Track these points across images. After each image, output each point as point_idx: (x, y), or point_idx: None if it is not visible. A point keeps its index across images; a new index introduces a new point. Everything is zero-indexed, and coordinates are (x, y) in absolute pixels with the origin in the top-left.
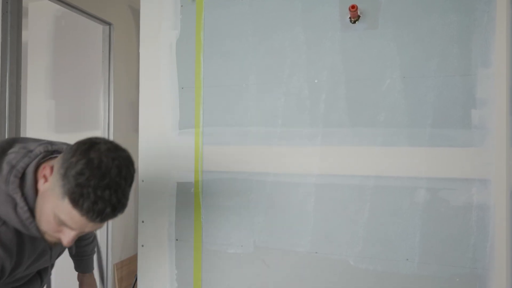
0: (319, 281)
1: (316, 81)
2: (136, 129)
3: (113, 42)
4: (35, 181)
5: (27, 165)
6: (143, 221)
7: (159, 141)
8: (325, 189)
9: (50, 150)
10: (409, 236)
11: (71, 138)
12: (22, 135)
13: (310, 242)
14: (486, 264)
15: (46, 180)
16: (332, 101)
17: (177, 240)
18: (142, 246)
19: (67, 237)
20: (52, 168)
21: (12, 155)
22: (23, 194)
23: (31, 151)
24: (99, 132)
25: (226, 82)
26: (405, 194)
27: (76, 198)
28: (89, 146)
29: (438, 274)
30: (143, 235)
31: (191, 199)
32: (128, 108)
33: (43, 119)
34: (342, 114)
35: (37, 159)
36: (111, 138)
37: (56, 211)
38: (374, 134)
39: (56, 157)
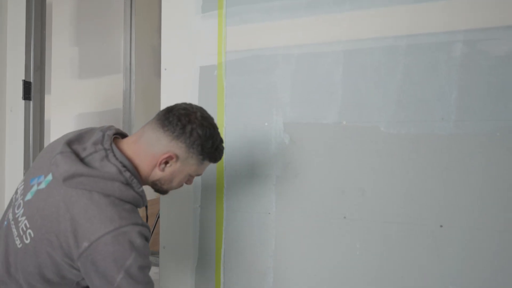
0: (347, 151)
1: None
2: (157, 74)
3: None
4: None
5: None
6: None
7: (182, 27)
8: (354, 56)
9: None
10: (445, 94)
11: (94, 83)
12: (46, 82)
13: (338, 113)
14: None
15: (166, 165)
16: None
17: None
18: None
19: (192, 181)
20: (170, 157)
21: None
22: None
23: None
24: (120, 75)
25: None
26: (440, 50)
27: (214, 156)
28: (187, 119)
29: (476, 131)
30: None
31: (214, 82)
32: (150, 53)
33: (67, 66)
34: None
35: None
36: (133, 83)
37: (191, 172)
38: None
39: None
